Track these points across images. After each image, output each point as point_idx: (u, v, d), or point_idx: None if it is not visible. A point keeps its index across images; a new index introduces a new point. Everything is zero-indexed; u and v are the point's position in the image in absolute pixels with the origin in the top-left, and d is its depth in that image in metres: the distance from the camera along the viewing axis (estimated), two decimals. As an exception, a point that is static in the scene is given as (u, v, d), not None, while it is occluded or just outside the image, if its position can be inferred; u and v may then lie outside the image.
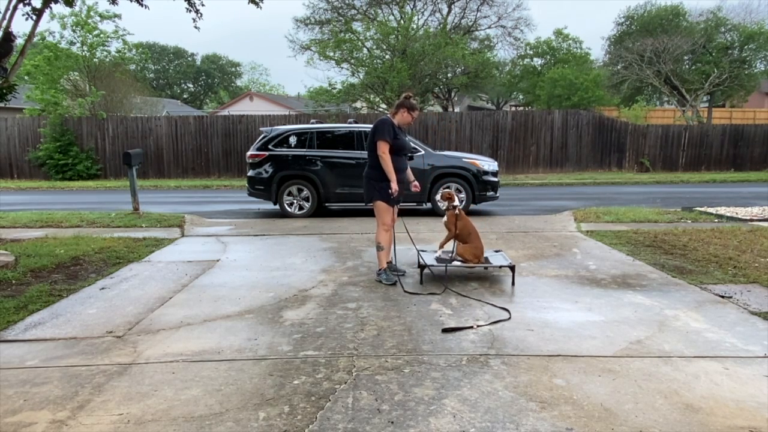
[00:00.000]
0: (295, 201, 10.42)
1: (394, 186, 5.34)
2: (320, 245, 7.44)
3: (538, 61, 34.62)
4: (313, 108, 25.96)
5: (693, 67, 27.04)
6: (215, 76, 61.24)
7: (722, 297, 4.88)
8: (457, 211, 5.75)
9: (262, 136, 10.66)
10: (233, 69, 62.90)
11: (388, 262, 5.69)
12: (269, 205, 11.20)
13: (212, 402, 3.06)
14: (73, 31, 21.72)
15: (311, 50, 27.07)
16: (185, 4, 8.45)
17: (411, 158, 10.30)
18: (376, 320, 4.36)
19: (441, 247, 5.87)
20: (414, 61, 23.35)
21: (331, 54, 24.92)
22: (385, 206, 5.46)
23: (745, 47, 26.85)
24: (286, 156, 10.36)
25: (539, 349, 3.75)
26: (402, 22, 27.03)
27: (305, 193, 10.36)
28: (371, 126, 5.59)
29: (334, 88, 25.01)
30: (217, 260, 6.59)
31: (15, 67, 7.16)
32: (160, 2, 9.23)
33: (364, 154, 10.27)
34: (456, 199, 5.89)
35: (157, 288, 5.38)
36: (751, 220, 9.06)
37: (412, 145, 10.49)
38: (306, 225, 9.11)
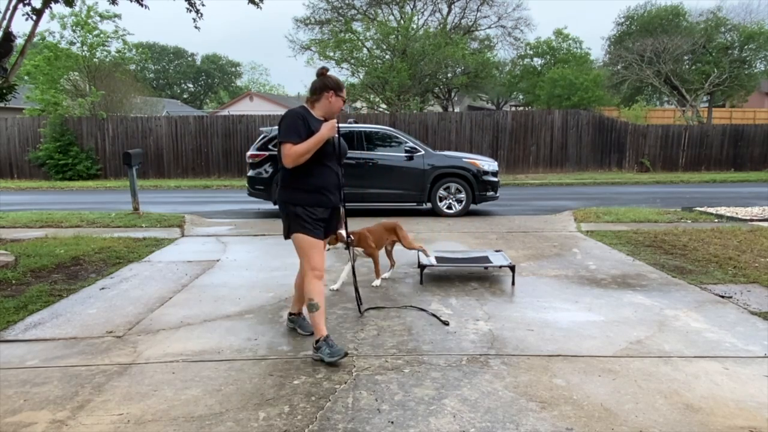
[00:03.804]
0: (295, 201, 10.40)
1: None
2: (320, 245, 7.43)
3: (538, 61, 34.64)
4: (313, 108, 25.88)
5: (693, 67, 27.04)
6: (215, 76, 61.26)
7: (722, 297, 4.88)
8: (352, 238, 4.89)
9: (262, 136, 10.66)
10: (233, 69, 62.94)
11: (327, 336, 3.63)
12: (269, 205, 11.19)
13: (212, 402, 3.06)
14: (73, 31, 21.72)
15: (311, 50, 27.11)
16: (185, 4, 8.45)
17: (411, 158, 10.30)
18: (376, 320, 4.36)
19: (379, 276, 5.45)
20: (414, 61, 23.36)
21: (331, 54, 24.93)
22: (310, 240, 3.63)
23: (745, 47, 26.84)
24: (286, 156, 10.34)
25: (539, 349, 3.75)
26: (402, 22, 27.04)
27: (305, 193, 10.33)
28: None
29: (334, 88, 24.96)
30: (217, 260, 6.59)
31: (15, 67, 7.16)
32: (161, 2, 9.23)
33: (364, 154, 10.28)
34: (344, 235, 4.47)
35: (157, 288, 5.38)
36: (751, 220, 9.06)
37: (412, 144, 10.47)
38: (306, 225, 9.10)
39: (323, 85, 3.66)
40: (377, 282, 5.40)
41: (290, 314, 4.23)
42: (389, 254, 5.80)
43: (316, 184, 3.62)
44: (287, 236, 3.74)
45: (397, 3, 28.86)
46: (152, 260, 6.60)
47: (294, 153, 3.47)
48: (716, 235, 7.56)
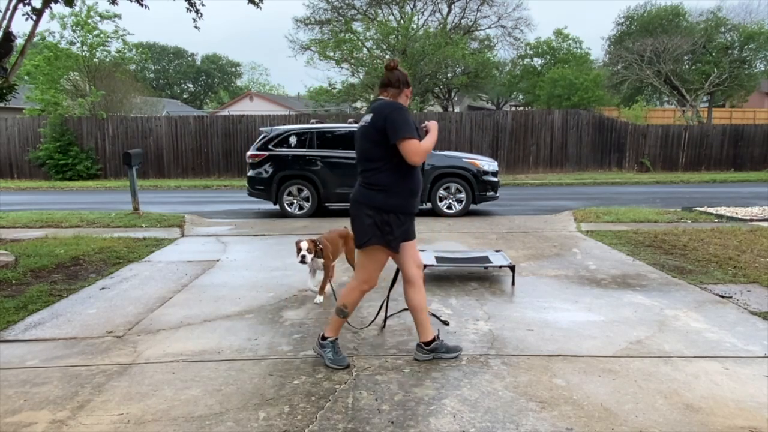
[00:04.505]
0: (295, 201, 10.42)
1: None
2: (320, 245, 7.43)
3: (538, 61, 34.65)
4: (313, 108, 25.96)
5: (693, 67, 27.05)
6: (215, 76, 61.22)
7: (722, 297, 4.88)
8: (321, 247, 4.71)
9: (262, 136, 10.67)
10: (233, 69, 62.90)
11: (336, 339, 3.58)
12: (269, 205, 11.19)
13: (212, 402, 3.06)
14: (73, 31, 21.72)
15: (311, 50, 27.10)
16: (185, 4, 8.45)
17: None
18: (375, 320, 4.36)
19: (323, 292, 4.90)
20: (414, 61, 23.36)
21: (331, 54, 24.95)
22: (385, 257, 3.46)
23: (745, 47, 26.85)
24: (286, 156, 10.36)
25: (539, 349, 3.75)
26: (402, 22, 27.05)
27: (305, 193, 10.36)
28: (373, 115, 3.30)
29: (334, 88, 25.04)
30: (217, 260, 6.59)
31: (15, 67, 7.16)
32: (161, 2, 9.23)
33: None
34: (313, 248, 4.65)
35: (157, 288, 5.38)
36: (751, 220, 9.06)
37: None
38: (306, 225, 9.10)
39: (406, 80, 3.46)
40: (319, 299, 4.84)
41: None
42: (352, 262, 5.10)
43: (410, 188, 3.36)
44: (362, 245, 3.38)
45: (397, 3, 28.87)
46: (152, 260, 6.60)
47: (422, 150, 3.22)
48: (716, 235, 7.55)
